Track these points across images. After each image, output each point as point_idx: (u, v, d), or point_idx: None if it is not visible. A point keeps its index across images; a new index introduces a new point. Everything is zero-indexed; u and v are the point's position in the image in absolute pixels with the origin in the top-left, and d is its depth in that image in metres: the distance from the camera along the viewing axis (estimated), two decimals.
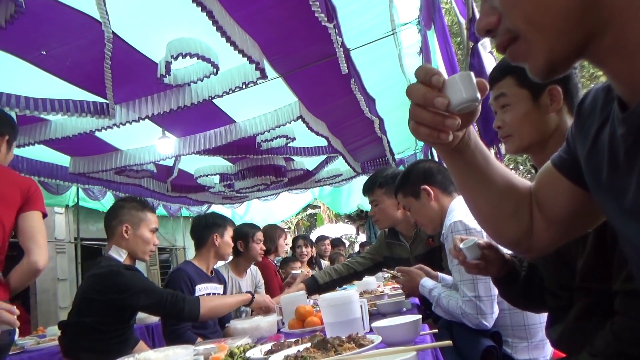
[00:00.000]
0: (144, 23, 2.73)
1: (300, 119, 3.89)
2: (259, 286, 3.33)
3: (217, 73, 3.01)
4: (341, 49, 2.99)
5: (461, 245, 1.24)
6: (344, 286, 3.00)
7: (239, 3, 2.55)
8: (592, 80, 12.11)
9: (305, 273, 3.34)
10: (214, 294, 2.60)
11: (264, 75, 3.00)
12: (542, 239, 0.85)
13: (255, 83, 3.16)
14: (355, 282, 3.20)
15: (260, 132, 4.15)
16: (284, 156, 5.33)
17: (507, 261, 1.31)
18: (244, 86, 3.18)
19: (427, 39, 3.57)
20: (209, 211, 6.88)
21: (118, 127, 3.47)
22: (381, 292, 2.46)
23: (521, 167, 15.05)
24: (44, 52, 2.75)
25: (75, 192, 5.94)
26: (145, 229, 2.15)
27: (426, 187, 1.91)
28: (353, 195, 8.45)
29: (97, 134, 3.71)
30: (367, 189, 2.64)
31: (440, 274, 2.05)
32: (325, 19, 2.55)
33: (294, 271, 2.89)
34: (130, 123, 3.44)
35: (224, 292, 2.74)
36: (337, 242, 7.40)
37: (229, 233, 2.73)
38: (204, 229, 2.68)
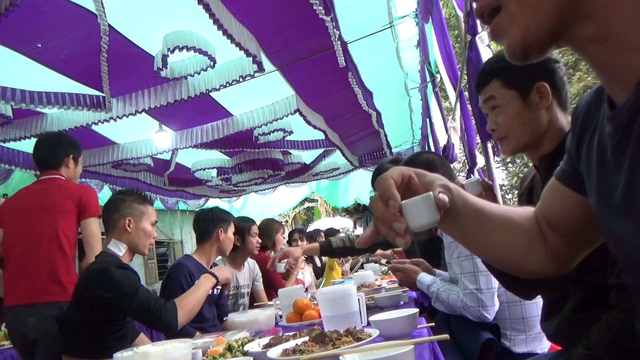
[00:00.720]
0: (140, 16, 2.71)
1: (297, 113, 3.89)
2: (256, 279, 3.34)
3: (214, 66, 3.00)
4: (338, 42, 2.98)
5: (464, 182, 1.28)
6: (342, 279, 3.02)
7: None
8: (589, 73, 12.09)
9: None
10: (213, 288, 2.60)
11: (261, 69, 2.99)
12: (566, 256, 0.84)
13: (252, 76, 3.15)
14: (352, 276, 3.22)
15: (257, 126, 4.14)
16: (281, 150, 5.33)
17: None
18: (241, 79, 3.17)
19: (424, 32, 3.57)
20: (206, 205, 6.88)
21: (115, 120, 3.45)
22: (378, 285, 2.47)
23: (518, 161, 15.07)
24: (40, 45, 2.73)
25: None
26: (147, 222, 2.13)
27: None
28: (350, 189, 8.47)
29: (93, 127, 3.70)
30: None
31: (437, 270, 2.05)
32: (323, 11, 2.53)
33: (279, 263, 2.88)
34: (127, 116, 3.42)
35: (222, 287, 2.73)
36: (330, 232, 7.29)
37: (232, 229, 2.72)
38: (210, 224, 2.66)
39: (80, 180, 5.40)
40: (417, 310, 1.30)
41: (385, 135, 5.39)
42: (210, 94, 3.45)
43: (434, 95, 4.41)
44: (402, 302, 1.98)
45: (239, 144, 4.80)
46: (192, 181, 6.01)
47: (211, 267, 2.69)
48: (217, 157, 5.38)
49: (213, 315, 2.61)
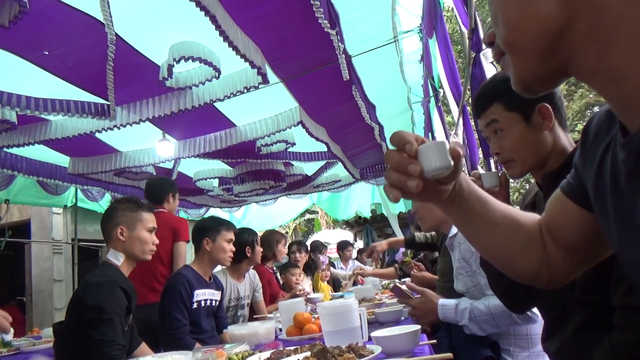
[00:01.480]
0: (147, 26, 2.74)
1: (300, 124, 3.90)
2: (257, 290, 3.32)
3: (219, 77, 3.02)
4: (343, 55, 3.00)
5: (482, 172, 1.26)
6: (342, 293, 3.00)
7: (242, 8, 2.56)
8: (591, 91, 12.13)
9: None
10: (212, 300, 2.59)
11: (265, 80, 3.01)
12: (561, 268, 0.84)
13: (256, 87, 3.16)
14: (353, 290, 3.19)
15: (260, 137, 4.16)
16: (284, 161, 5.33)
17: None
18: (245, 90, 3.18)
19: (428, 47, 3.59)
20: (207, 214, 6.87)
21: (118, 128, 3.47)
22: (379, 300, 2.46)
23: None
24: (47, 53, 2.75)
25: (73, 192, 5.93)
26: (141, 229, 2.08)
27: None
28: (351, 202, 8.45)
29: (97, 135, 3.71)
30: None
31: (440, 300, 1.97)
32: (328, 25, 2.56)
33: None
34: (131, 125, 3.44)
35: (222, 299, 2.72)
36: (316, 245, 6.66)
37: (223, 237, 2.63)
38: (197, 234, 2.65)
39: (82, 187, 5.43)
40: (419, 327, 1.28)
41: (388, 149, 5.39)
42: (214, 104, 3.46)
43: (436, 110, 4.43)
44: (403, 318, 1.97)
45: (242, 155, 4.81)
46: (194, 190, 6.01)
47: (210, 278, 2.68)
48: (219, 167, 5.38)
49: (212, 327, 2.59)
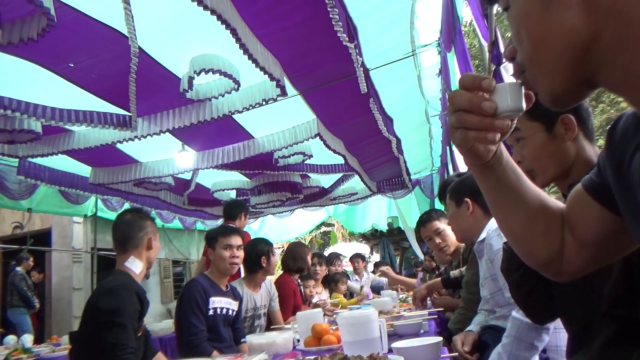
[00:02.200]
0: (169, 38, 2.80)
1: (317, 137, 3.92)
2: (273, 299, 3.31)
3: (238, 89, 3.06)
4: (361, 68, 3.02)
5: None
6: (360, 305, 2.97)
7: (262, 22, 2.60)
8: (612, 106, 11.97)
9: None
10: (229, 309, 2.59)
11: (284, 93, 3.04)
12: (573, 262, 0.83)
13: (275, 100, 3.20)
14: (370, 302, 3.17)
15: (277, 149, 4.19)
16: (300, 173, 5.35)
17: None
18: (264, 102, 3.22)
19: (447, 61, 3.59)
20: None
21: (139, 139, 3.53)
22: (397, 312, 2.43)
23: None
24: (72, 65, 2.82)
25: (94, 202, 6.03)
26: (158, 239, 2.21)
27: (469, 200, 1.90)
28: (368, 214, 8.42)
29: (118, 145, 3.78)
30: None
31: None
32: (347, 38, 2.58)
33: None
34: (152, 136, 3.50)
35: (239, 309, 2.72)
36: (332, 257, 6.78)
37: (220, 245, 2.62)
38: (206, 244, 2.71)
39: (102, 197, 5.53)
40: (441, 338, 1.27)
41: (405, 162, 5.38)
42: (233, 116, 3.50)
43: None
44: (422, 331, 1.94)
45: (259, 166, 4.85)
46: (211, 201, 6.05)
47: (228, 287, 2.69)
48: (236, 178, 5.43)
49: (230, 337, 2.59)
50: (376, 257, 10.68)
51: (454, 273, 2.83)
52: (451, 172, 5.16)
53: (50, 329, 7.24)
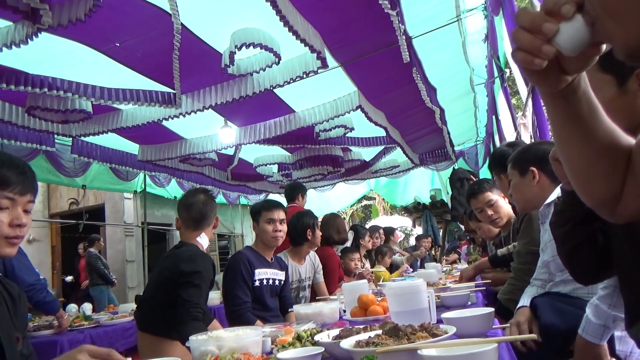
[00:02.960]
0: (210, 14, 2.80)
1: (359, 109, 3.87)
2: (317, 271, 3.35)
3: (279, 63, 3.04)
4: (403, 36, 2.93)
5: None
6: (406, 277, 2.97)
7: None
8: None
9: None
10: (275, 279, 2.66)
11: (324, 65, 3.00)
12: (630, 206, 0.80)
13: (315, 72, 3.17)
14: (415, 274, 3.16)
15: (319, 122, 4.17)
16: (342, 146, 5.33)
17: None
18: (304, 75, 3.20)
19: (494, 25, 3.43)
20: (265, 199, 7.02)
21: (184, 116, 3.60)
22: (443, 284, 2.41)
23: None
24: (118, 44, 2.89)
25: (142, 178, 6.25)
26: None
27: (535, 169, 1.83)
28: (410, 187, 8.33)
29: (164, 122, 3.87)
30: None
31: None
32: (389, 6, 2.50)
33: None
34: (195, 112, 3.56)
35: (286, 279, 2.79)
36: (389, 230, 6.96)
37: (263, 219, 2.70)
38: (251, 218, 2.83)
39: (150, 173, 5.73)
40: (492, 309, 1.24)
41: (448, 133, 5.25)
42: (274, 90, 3.50)
43: (502, 91, 4.24)
44: (469, 303, 1.92)
45: (300, 140, 4.86)
46: (254, 176, 6.15)
47: (273, 258, 2.74)
48: (278, 152, 5.47)
49: (276, 306, 2.67)
50: (418, 230, 10.61)
51: (502, 251, 2.76)
52: (497, 142, 5.00)
53: None
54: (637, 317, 1.14)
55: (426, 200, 8.53)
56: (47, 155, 4.63)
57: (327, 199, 8.46)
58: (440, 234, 9.18)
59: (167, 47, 2.80)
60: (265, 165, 5.59)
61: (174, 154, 4.68)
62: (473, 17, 3.51)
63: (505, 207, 2.71)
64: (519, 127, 3.49)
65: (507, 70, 3.80)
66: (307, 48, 2.80)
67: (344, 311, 2.01)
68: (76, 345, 2.91)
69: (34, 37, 2.45)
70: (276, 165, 5.76)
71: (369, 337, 1.02)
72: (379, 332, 1.05)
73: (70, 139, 4.24)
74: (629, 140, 0.82)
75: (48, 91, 3.06)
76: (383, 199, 13.26)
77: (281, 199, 7.51)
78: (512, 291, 2.10)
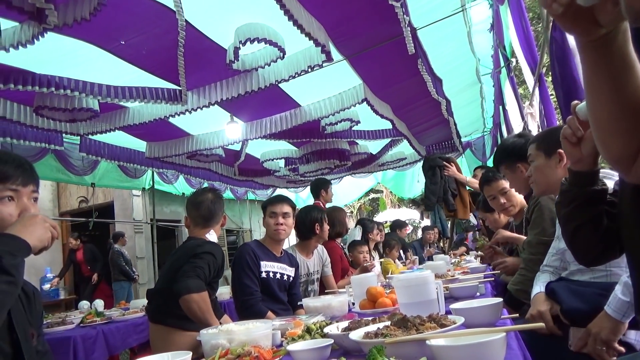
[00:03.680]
0: (213, 9, 2.80)
1: (365, 102, 3.86)
2: (325, 265, 3.37)
3: (283, 57, 3.04)
4: (408, 28, 2.91)
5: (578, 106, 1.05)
6: (415, 268, 2.96)
7: None
8: None
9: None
10: (283, 274, 2.67)
11: (329, 58, 3.00)
12: None
13: (320, 66, 3.16)
14: (423, 266, 3.16)
15: (325, 116, 4.17)
16: (348, 140, 5.33)
17: (598, 171, 1.20)
18: (309, 69, 3.19)
19: (499, 15, 3.41)
20: (274, 195, 7.04)
21: (190, 112, 3.61)
22: (452, 276, 2.41)
23: None
24: (123, 42, 2.90)
25: (150, 175, 6.29)
26: None
27: (562, 152, 1.80)
28: (417, 179, 8.30)
29: (170, 119, 3.89)
30: None
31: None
32: None
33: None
34: (201, 109, 3.57)
35: (296, 276, 2.81)
36: (397, 224, 7.15)
37: (267, 213, 2.77)
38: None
39: (158, 170, 5.77)
40: (501, 299, 1.25)
41: (455, 124, 5.23)
42: (279, 85, 3.50)
43: (508, 81, 4.21)
44: (478, 294, 1.92)
45: (307, 134, 4.86)
46: (261, 171, 6.16)
47: (282, 253, 2.76)
48: (285, 147, 5.48)
49: (285, 299, 2.69)
50: (426, 222, 10.58)
51: None
52: (504, 132, 4.97)
53: (117, 295, 7.70)
54: None
55: None
56: (56, 154, 4.67)
57: (334, 193, 8.44)
58: (449, 226, 9.15)
59: (172, 44, 2.81)
60: (272, 160, 5.60)
61: (181, 151, 4.71)
62: (478, 7, 3.49)
63: (517, 195, 2.69)
64: (526, 117, 3.47)
65: (514, 60, 3.77)
66: (312, 42, 2.80)
67: (353, 304, 2.02)
68: (89, 341, 2.98)
69: (40, 37, 2.47)
70: (283, 160, 5.77)
71: (378, 328, 1.03)
72: (388, 323, 1.06)
73: (78, 137, 4.27)
74: None
75: (55, 90, 3.08)
76: (390, 191, 13.23)
77: (289, 194, 7.58)
78: (522, 282, 2.09)
